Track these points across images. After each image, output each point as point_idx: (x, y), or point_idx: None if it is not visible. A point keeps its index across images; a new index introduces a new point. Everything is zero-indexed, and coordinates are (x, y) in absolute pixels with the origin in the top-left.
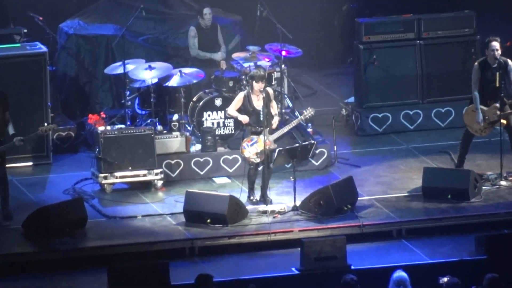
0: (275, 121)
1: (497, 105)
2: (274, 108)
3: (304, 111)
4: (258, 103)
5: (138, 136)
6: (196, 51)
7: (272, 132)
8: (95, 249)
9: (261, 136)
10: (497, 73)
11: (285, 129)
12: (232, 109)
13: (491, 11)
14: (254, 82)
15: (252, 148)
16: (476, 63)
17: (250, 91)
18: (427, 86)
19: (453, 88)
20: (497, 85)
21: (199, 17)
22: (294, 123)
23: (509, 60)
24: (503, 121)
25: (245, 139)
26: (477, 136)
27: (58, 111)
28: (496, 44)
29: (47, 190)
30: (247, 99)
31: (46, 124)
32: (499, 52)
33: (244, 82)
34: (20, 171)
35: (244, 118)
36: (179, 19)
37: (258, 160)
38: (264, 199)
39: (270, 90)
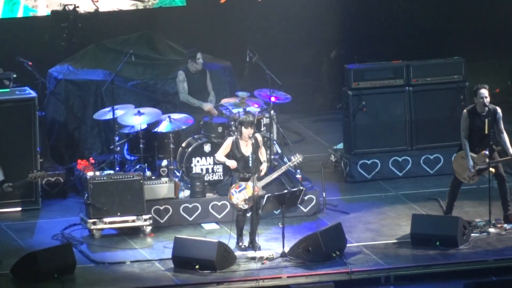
0: (264, 168)
1: (486, 152)
2: (263, 155)
3: (292, 158)
4: (246, 149)
5: (127, 182)
6: (186, 96)
7: (260, 178)
8: None
9: (250, 183)
10: (486, 120)
11: (274, 175)
12: (220, 155)
13: (480, 58)
14: (243, 128)
15: (240, 195)
16: (465, 111)
17: (238, 137)
18: (416, 133)
19: (442, 135)
20: (486, 132)
21: (189, 61)
22: (282, 169)
23: (497, 108)
24: (492, 169)
25: (233, 185)
26: (465, 183)
27: (47, 156)
28: (485, 92)
29: (35, 235)
30: (236, 145)
31: (36, 171)
32: (488, 99)
33: (233, 128)
34: (9, 216)
35: (232, 163)
36: (168, 64)
37: (246, 207)
38: (253, 245)
39: (258, 136)
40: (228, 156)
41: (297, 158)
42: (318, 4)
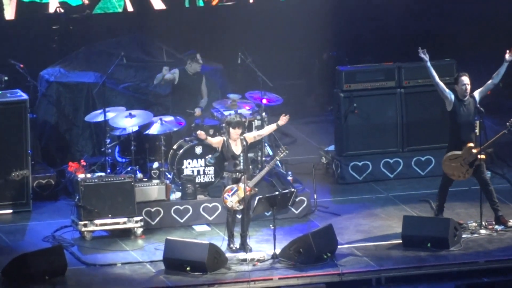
0: (271, 129)
1: (471, 144)
2: (260, 133)
3: (279, 151)
4: (236, 148)
5: (118, 184)
6: (157, 79)
7: (251, 177)
8: None
9: (241, 184)
10: (477, 122)
11: (263, 172)
12: (210, 140)
13: (471, 60)
14: (230, 128)
15: (234, 197)
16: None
17: (227, 137)
18: (407, 135)
19: (433, 137)
20: (477, 134)
21: (188, 62)
22: (271, 164)
23: (474, 94)
24: (482, 156)
25: (225, 190)
26: (456, 185)
27: (39, 158)
28: (466, 79)
29: (26, 237)
30: (226, 145)
31: (20, 170)
32: (469, 87)
33: (224, 130)
34: (0, 218)
35: (201, 134)
36: (160, 66)
37: (241, 207)
38: (244, 247)
39: (248, 135)
40: (220, 155)
41: (283, 151)
42: (310, 6)
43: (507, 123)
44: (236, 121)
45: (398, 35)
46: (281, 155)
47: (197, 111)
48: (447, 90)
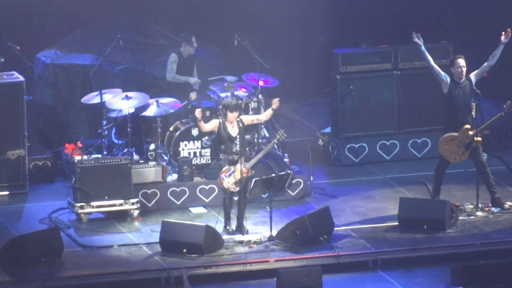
0: (268, 113)
1: (468, 126)
2: (257, 117)
3: (277, 134)
4: (233, 130)
5: (115, 166)
6: (173, 75)
7: (248, 159)
8: (71, 279)
9: (238, 165)
10: (474, 104)
11: (260, 155)
12: (201, 125)
13: (467, 43)
14: (228, 111)
15: (230, 178)
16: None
17: (224, 119)
18: (404, 117)
19: (429, 119)
20: (474, 116)
21: (183, 45)
22: (269, 147)
23: (470, 76)
24: (478, 138)
25: (222, 170)
26: (453, 167)
27: (35, 140)
28: (462, 61)
29: (23, 219)
30: (222, 127)
31: (16, 150)
32: (465, 69)
33: (221, 112)
34: None
35: (198, 113)
36: (156, 49)
37: (237, 189)
38: (240, 229)
39: (244, 117)
40: (217, 137)
41: (281, 134)
42: None
43: (504, 105)
44: (233, 104)
45: (395, 17)
46: (280, 138)
47: (193, 95)
48: (442, 73)
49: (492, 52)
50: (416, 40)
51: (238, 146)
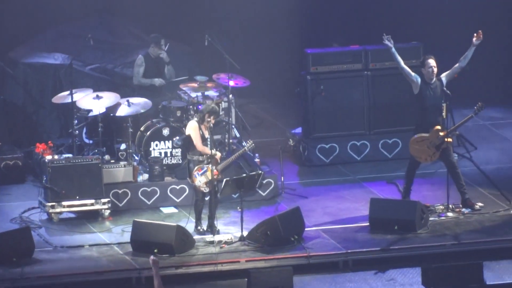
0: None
1: (438, 127)
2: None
3: (246, 143)
4: (205, 132)
5: (86, 166)
6: (138, 79)
7: (219, 162)
8: (42, 279)
9: (210, 165)
10: (445, 105)
11: (230, 160)
12: (202, 146)
13: (438, 43)
14: (212, 117)
15: (203, 178)
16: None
17: (199, 122)
18: (374, 117)
19: (400, 119)
20: (444, 117)
21: (152, 46)
22: (238, 154)
23: (441, 76)
24: (449, 139)
25: (195, 168)
26: (423, 168)
27: (6, 140)
28: (433, 62)
29: None
30: (200, 129)
31: None
32: (436, 69)
33: (191, 112)
34: None
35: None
36: (127, 48)
37: (207, 190)
38: (211, 229)
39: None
40: (187, 137)
41: (249, 144)
42: None
43: (475, 107)
44: (218, 111)
45: (365, 17)
46: (248, 148)
47: (159, 82)
48: (412, 73)
49: (463, 53)
50: (387, 42)
51: (209, 146)
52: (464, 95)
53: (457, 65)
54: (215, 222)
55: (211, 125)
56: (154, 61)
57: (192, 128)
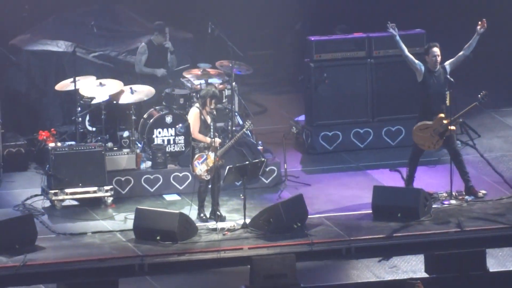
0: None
1: (442, 115)
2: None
3: (245, 124)
4: (207, 117)
5: (89, 153)
6: (140, 67)
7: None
8: (45, 266)
9: (210, 153)
10: (448, 93)
11: (230, 144)
12: (197, 134)
13: (442, 31)
14: (213, 101)
15: (203, 166)
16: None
17: (200, 107)
18: (378, 105)
19: (403, 107)
20: (448, 104)
21: (156, 34)
22: (237, 136)
23: (445, 65)
24: (452, 128)
25: (195, 157)
26: (426, 155)
27: (9, 127)
28: (437, 50)
29: None
30: (201, 115)
31: None
32: (440, 58)
33: (194, 99)
34: None
35: (217, 140)
36: (130, 36)
37: (209, 177)
38: (214, 216)
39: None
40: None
41: (248, 125)
42: None
43: (479, 95)
44: (218, 95)
45: (369, 5)
46: (247, 128)
47: (162, 72)
48: (416, 61)
49: (467, 40)
50: (391, 30)
51: (211, 133)
52: (469, 83)
53: (461, 53)
54: (218, 210)
55: (214, 112)
56: (157, 49)
57: (192, 115)
